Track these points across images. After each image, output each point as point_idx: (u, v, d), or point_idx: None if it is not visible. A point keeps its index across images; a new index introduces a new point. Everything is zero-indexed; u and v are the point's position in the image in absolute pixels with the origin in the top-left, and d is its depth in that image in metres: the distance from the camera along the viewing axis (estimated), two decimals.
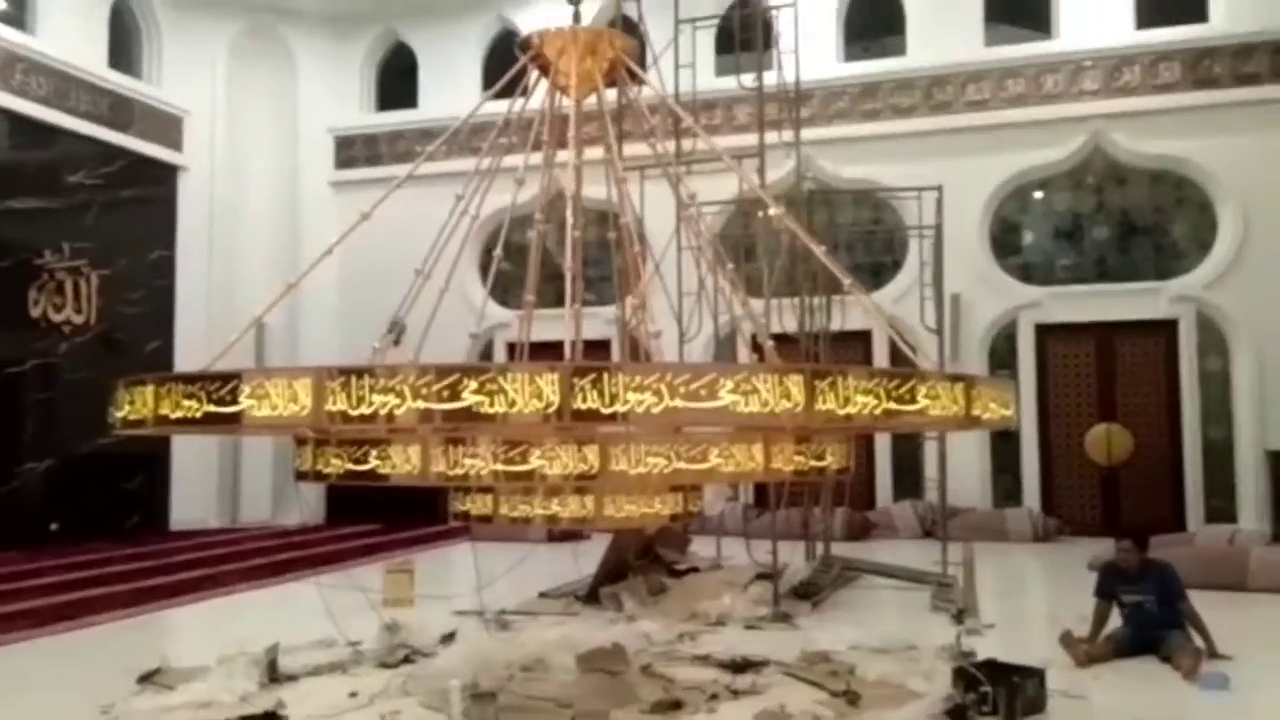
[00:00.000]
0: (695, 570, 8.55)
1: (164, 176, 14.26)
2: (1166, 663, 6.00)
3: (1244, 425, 12.15)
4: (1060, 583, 9.69)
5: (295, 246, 15.49)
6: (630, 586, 7.97)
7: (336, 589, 9.17)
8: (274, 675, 5.74)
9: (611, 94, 6.20)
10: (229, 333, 15.12)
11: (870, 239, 13.74)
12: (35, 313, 12.15)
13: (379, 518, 14.06)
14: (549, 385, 3.51)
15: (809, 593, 8.02)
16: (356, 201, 17.43)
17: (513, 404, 3.51)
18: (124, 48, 14.05)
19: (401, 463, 4.55)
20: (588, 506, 5.17)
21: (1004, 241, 13.48)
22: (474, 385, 3.51)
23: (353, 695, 5.49)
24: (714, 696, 5.32)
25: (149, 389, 4.02)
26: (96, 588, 8.94)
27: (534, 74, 6.11)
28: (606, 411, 3.49)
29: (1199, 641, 6.09)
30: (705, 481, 5.61)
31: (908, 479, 13.24)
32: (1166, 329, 12.57)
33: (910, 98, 13.47)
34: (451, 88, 15.46)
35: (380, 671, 6.02)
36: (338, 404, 3.61)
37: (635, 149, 7.32)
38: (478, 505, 5.35)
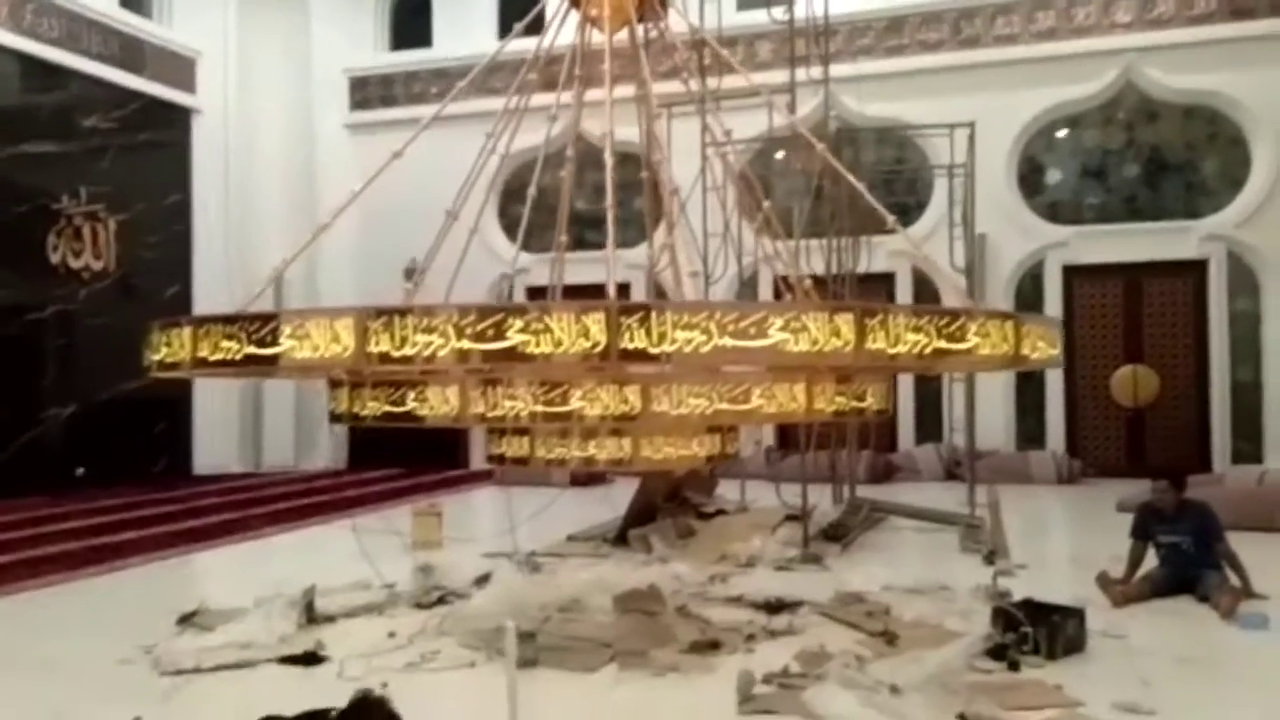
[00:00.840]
0: (723, 513, 8.54)
1: (178, 119, 14.09)
2: (1204, 603, 5.97)
3: (1273, 366, 12.02)
4: (1088, 524, 9.66)
5: (311, 189, 15.40)
6: (659, 529, 7.97)
7: (366, 532, 9.27)
8: (311, 616, 5.76)
9: (640, 29, 6.01)
10: (247, 277, 15.16)
11: (894, 178, 13.52)
12: (55, 259, 12.09)
13: (401, 462, 14.12)
14: (595, 324, 3.44)
15: (838, 534, 8.01)
16: (372, 143, 17.38)
17: (559, 344, 3.44)
18: None
19: (440, 404, 4.50)
20: (625, 448, 5.12)
21: (1031, 180, 13.26)
22: (519, 325, 3.44)
23: (391, 635, 5.51)
24: (751, 637, 5.32)
25: (186, 331, 3.97)
26: (125, 532, 8.99)
27: (562, 8, 5.92)
28: (654, 351, 3.43)
29: (1235, 581, 6.05)
30: (747, 423, 5.56)
31: (930, 421, 13.17)
32: (1196, 269, 12.39)
33: (938, 32, 13.18)
34: (466, 27, 15.22)
35: (416, 613, 6.04)
36: (380, 344, 3.54)
37: (661, 87, 7.14)
38: (514, 447, 5.32)
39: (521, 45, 16.13)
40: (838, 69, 11.48)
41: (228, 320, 3.83)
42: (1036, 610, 5.08)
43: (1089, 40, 12.62)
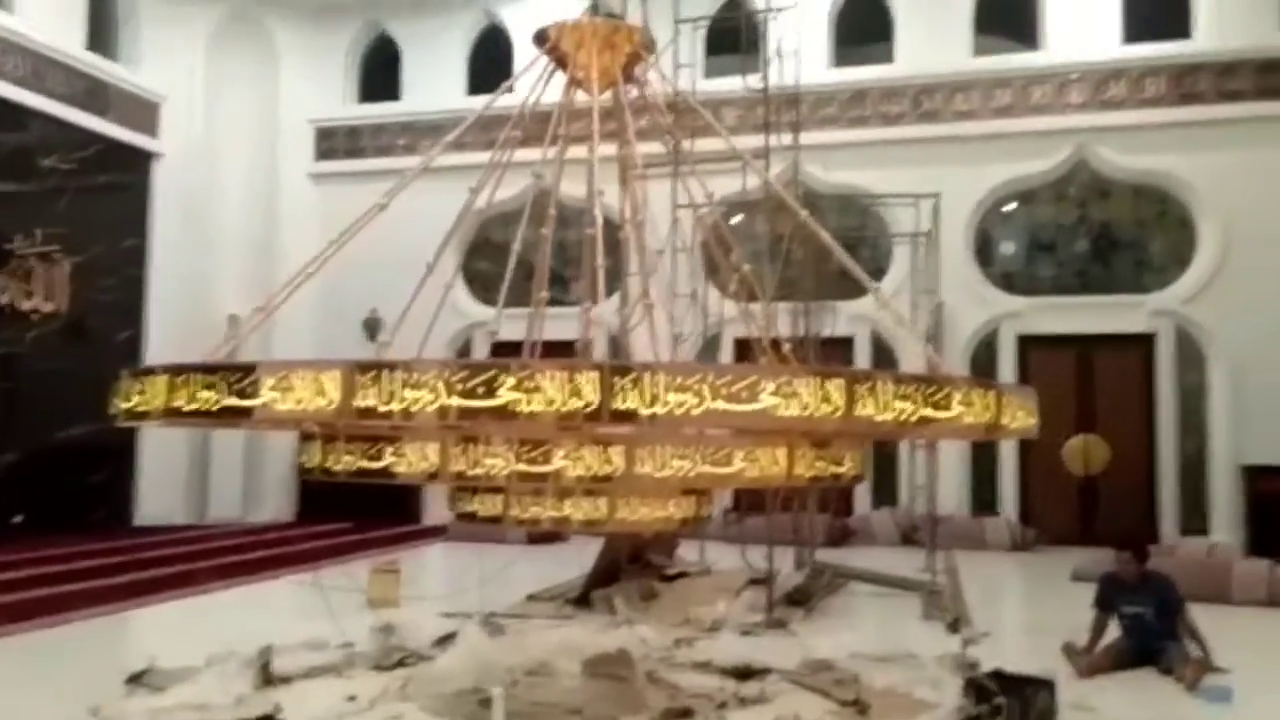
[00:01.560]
0: (685, 575, 8.47)
1: (139, 163, 13.93)
2: (1167, 675, 6.02)
3: (1218, 439, 12.29)
4: (1045, 593, 9.74)
5: (272, 238, 15.28)
6: (622, 590, 7.88)
7: (320, 588, 9.04)
8: (267, 677, 5.58)
9: (624, 90, 6.08)
10: (202, 324, 14.93)
11: (858, 244, 13.74)
12: (2, 299, 11.81)
13: (351, 515, 13.84)
14: (589, 384, 3.42)
15: (802, 599, 7.98)
16: (336, 194, 17.26)
17: (551, 402, 3.41)
18: (102, 30, 13.74)
19: (418, 461, 4.43)
20: (601, 509, 5.07)
21: (986, 252, 13.56)
22: (511, 382, 3.41)
23: (351, 699, 5.34)
24: (722, 705, 5.25)
25: (161, 379, 3.87)
26: (69, 583, 8.68)
27: (547, 67, 5.98)
28: (646, 412, 3.42)
29: (1196, 653, 6.11)
30: (729, 486, 5.56)
31: (885, 486, 13.25)
32: (1145, 342, 12.70)
33: (899, 105, 13.51)
34: (435, 82, 15.30)
35: (376, 674, 5.87)
36: (367, 399, 3.50)
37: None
38: (487, 506, 5.24)
39: (486, 101, 16.17)
40: (806, 137, 11.74)
41: (207, 370, 3.75)
42: (1007, 681, 5.08)
43: (1044, 119, 13.02)
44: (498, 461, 4.34)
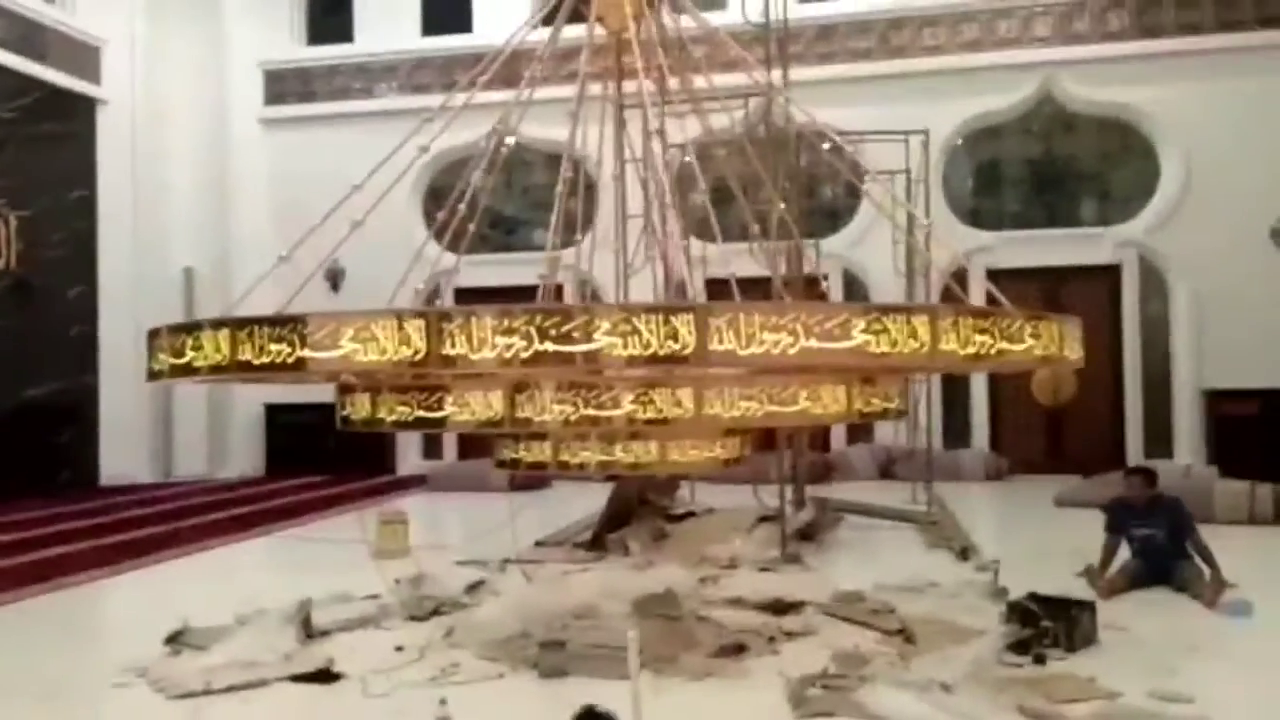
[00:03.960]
0: (692, 515, 8.53)
1: (82, 111, 13.30)
2: (1181, 593, 6.25)
3: (1181, 365, 12.69)
4: (1033, 518, 10.02)
5: (223, 185, 14.83)
6: (634, 532, 7.91)
7: (324, 542, 8.96)
8: (309, 631, 5.50)
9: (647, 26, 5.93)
10: (156, 277, 14.43)
11: (828, 182, 13.78)
12: None
13: (322, 469, 13.66)
14: (684, 326, 3.37)
15: (811, 534, 8.09)
16: (288, 139, 16.76)
17: (647, 345, 3.36)
18: None
19: (483, 410, 4.36)
20: (651, 452, 5.06)
21: (955, 187, 13.68)
22: (606, 326, 3.35)
23: (399, 650, 5.30)
24: (771, 639, 5.32)
25: (223, 333, 3.75)
26: (54, 547, 8.42)
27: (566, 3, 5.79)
28: (743, 353, 3.40)
29: (1206, 571, 6.34)
30: (796, 424, 5.56)
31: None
32: (1110, 274, 13.00)
33: (867, 41, 13.48)
34: (390, 22, 14.85)
35: (413, 625, 5.84)
36: (457, 346, 3.41)
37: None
38: (533, 453, 5.19)
39: (451, 42, 15.74)
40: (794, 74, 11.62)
41: (279, 322, 3.62)
42: (1049, 604, 5.22)
43: (1010, 53, 13.10)
44: (565, 408, 4.30)
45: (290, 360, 3.59)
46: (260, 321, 3.67)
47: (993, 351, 3.85)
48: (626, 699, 3.67)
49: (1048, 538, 8.56)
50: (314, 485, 12.88)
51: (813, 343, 3.45)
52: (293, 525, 10.46)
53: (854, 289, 13.36)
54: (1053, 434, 13.22)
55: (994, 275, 13.13)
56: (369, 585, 6.66)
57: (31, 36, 12.45)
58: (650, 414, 4.26)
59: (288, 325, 3.59)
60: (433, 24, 14.86)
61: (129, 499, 11.24)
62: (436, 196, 14.05)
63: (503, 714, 4.45)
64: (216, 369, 3.84)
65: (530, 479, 12.71)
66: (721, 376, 4.40)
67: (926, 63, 13.26)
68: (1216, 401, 12.27)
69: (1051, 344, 4.10)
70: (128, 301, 13.44)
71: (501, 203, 14.45)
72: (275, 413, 14.48)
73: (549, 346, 3.36)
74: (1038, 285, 13.24)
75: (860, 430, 13.43)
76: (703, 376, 4.38)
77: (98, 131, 13.47)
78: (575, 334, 3.36)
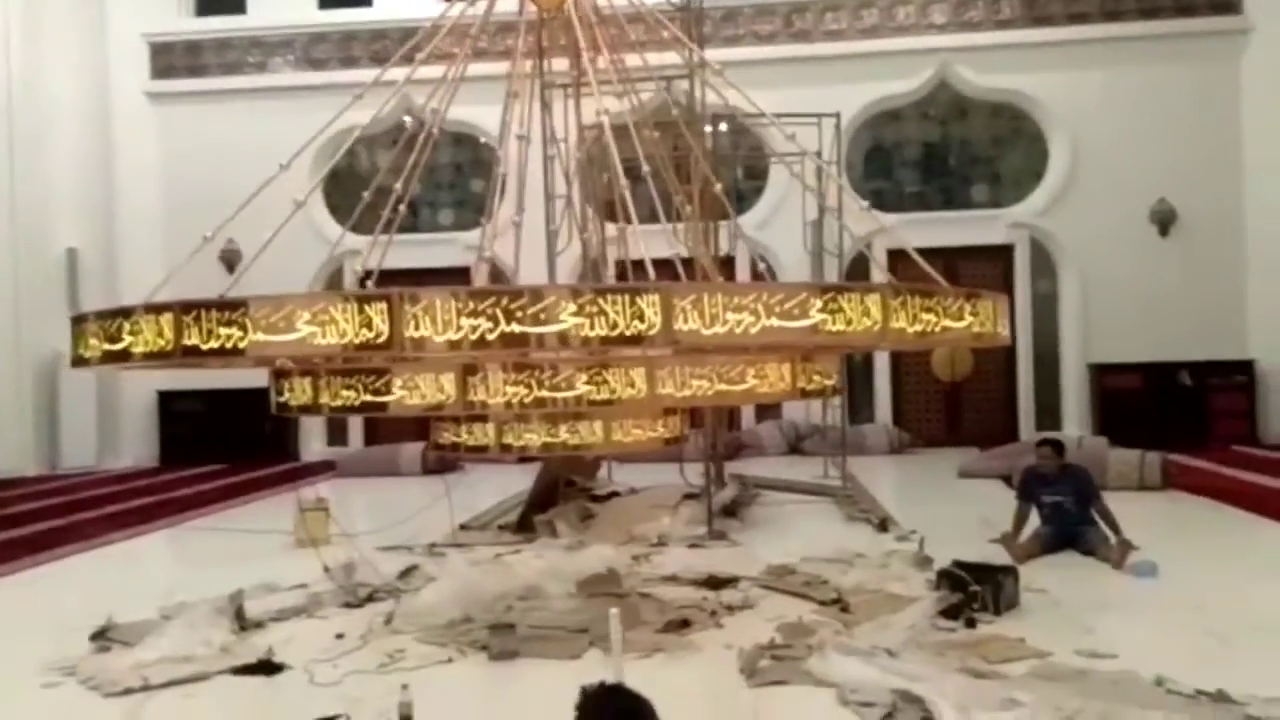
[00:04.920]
0: (616, 494, 8.58)
1: None
2: (1089, 555, 6.59)
3: (1068, 341, 13.32)
4: (939, 489, 10.38)
5: (107, 162, 14.22)
6: (562, 513, 7.92)
7: (239, 532, 8.71)
8: (243, 623, 5.36)
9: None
10: (35, 258, 13.69)
11: (735, 163, 13.94)
12: None
13: (219, 458, 13.27)
14: (650, 307, 3.41)
15: (735, 511, 8.23)
16: (177, 114, 16.12)
17: (614, 326, 3.39)
18: None
19: (434, 392, 4.31)
20: (596, 433, 5.08)
21: (855, 170, 14.01)
22: (572, 308, 3.36)
23: (339, 637, 5.22)
24: (713, 613, 5.41)
25: (167, 317, 3.64)
26: None
27: None
28: (707, 333, 3.45)
29: (1111, 536, 6.70)
30: (744, 403, 5.64)
31: None
32: (1004, 253, 13.52)
33: (770, 25, 13.66)
34: None
35: (348, 612, 5.75)
36: (421, 328, 3.36)
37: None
38: (475, 436, 5.15)
39: (350, 16, 15.30)
40: (672, 56, 11.69)
41: (229, 306, 3.50)
42: (975, 571, 5.45)
43: (908, 39, 13.46)
44: (519, 389, 4.29)
45: (241, 345, 3.51)
46: (208, 305, 3.56)
47: (937, 329, 4.00)
48: (580, 679, 3.69)
49: (955, 508, 8.89)
50: (214, 474, 12.48)
51: (773, 321, 3.54)
52: (197, 515, 10.12)
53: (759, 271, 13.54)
54: (951, 409, 13.72)
55: (895, 255, 13.70)
56: (292, 574, 6.54)
57: None
58: (604, 394, 4.30)
59: (238, 309, 3.49)
60: None
61: (16, 493, 10.71)
62: (336, 177, 13.69)
63: (457, 698, 4.42)
64: (154, 355, 3.72)
65: (443, 463, 12.60)
66: (668, 356, 4.47)
67: (829, 48, 13.51)
68: (1101, 375, 12.92)
69: (987, 321, 4.27)
70: (7, 284, 12.77)
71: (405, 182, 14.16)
72: (169, 399, 13.97)
73: (515, 328, 3.35)
74: (936, 265, 13.63)
75: (767, 407, 13.68)
76: (651, 357, 4.44)
77: None
78: (543, 315, 3.37)
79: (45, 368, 13.21)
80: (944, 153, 14.00)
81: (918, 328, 3.90)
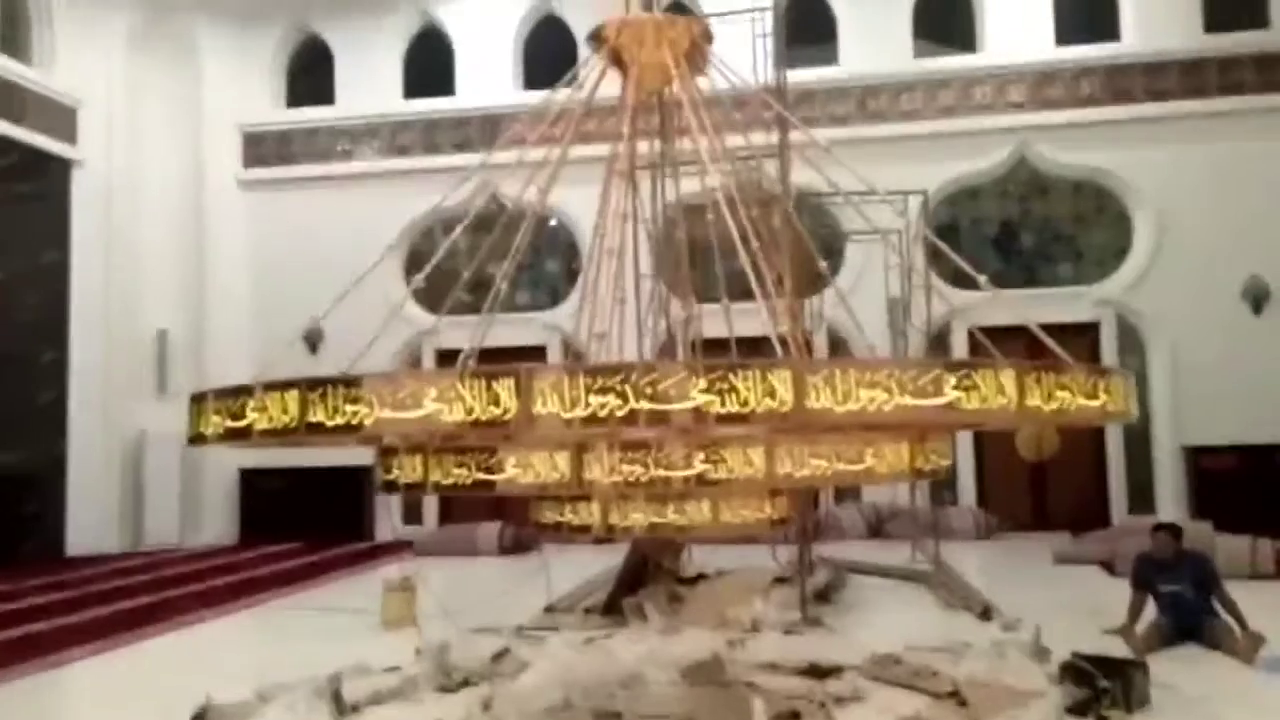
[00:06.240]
0: (703, 577, 8.39)
1: (57, 171, 13.03)
2: (1214, 649, 6.24)
3: (1160, 421, 12.89)
4: (1035, 576, 9.99)
5: (200, 248, 14.61)
6: (650, 595, 7.75)
7: (324, 611, 8.68)
8: (341, 708, 5.27)
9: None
10: (128, 341, 14.07)
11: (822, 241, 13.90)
12: None
13: (298, 536, 13.31)
14: (782, 383, 3.33)
15: (828, 595, 7.99)
16: (267, 201, 16.59)
17: (745, 403, 3.31)
18: (12, 30, 12.84)
19: (548, 471, 4.24)
20: (704, 512, 4.96)
21: (934, 248, 13.89)
22: (702, 384, 3.29)
23: None
24: (822, 705, 5.20)
25: (292, 394, 3.65)
26: (33, 623, 8.03)
27: (597, 64, 5.80)
28: (840, 410, 3.36)
29: (1235, 627, 6.34)
30: (863, 483, 5.51)
31: None
32: (1090, 331, 13.23)
33: (844, 106, 13.74)
34: (370, 84, 14.84)
35: (445, 696, 5.62)
36: (548, 405, 3.32)
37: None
38: (580, 515, 5.06)
39: (434, 105, 15.71)
40: (758, 137, 11.78)
41: (351, 383, 3.50)
42: (1102, 664, 5.18)
43: (985, 118, 13.43)
44: (635, 468, 4.20)
45: (367, 421, 3.50)
46: (334, 382, 3.56)
47: (1072, 407, 3.86)
48: None
49: (1055, 594, 8.55)
50: (292, 553, 12.51)
51: (907, 399, 3.43)
52: (279, 594, 10.13)
53: (837, 346, 13.43)
54: (1037, 491, 13.31)
55: (979, 333, 13.48)
56: (381, 655, 6.43)
57: (8, 97, 12.24)
58: (722, 473, 4.20)
59: (361, 385, 3.49)
60: (413, 86, 14.88)
61: (102, 570, 10.82)
62: (416, 259, 13.94)
63: None
64: (276, 432, 3.73)
65: (519, 543, 12.54)
66: (787, 436, 4.36)
67: (904, 128, 13.53)
68: (1196, 457, 12.46)
69: (1119, 398, 4.11)
70: (99, 366, 13.11)
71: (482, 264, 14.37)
72: (251, 477, 14.13)
73: (644, 405, 3.29)
74: (1020, 343, 13.40)
75: (845, 489, 13.41)
76: (771, 436, 4.33)
77: (72, 193, 13.20)
78: (673, 392, 3.30)
79: (131, 446, 13.49)
80: (1024, 230, 13.84)
81: (1054, 405, 3.77)
